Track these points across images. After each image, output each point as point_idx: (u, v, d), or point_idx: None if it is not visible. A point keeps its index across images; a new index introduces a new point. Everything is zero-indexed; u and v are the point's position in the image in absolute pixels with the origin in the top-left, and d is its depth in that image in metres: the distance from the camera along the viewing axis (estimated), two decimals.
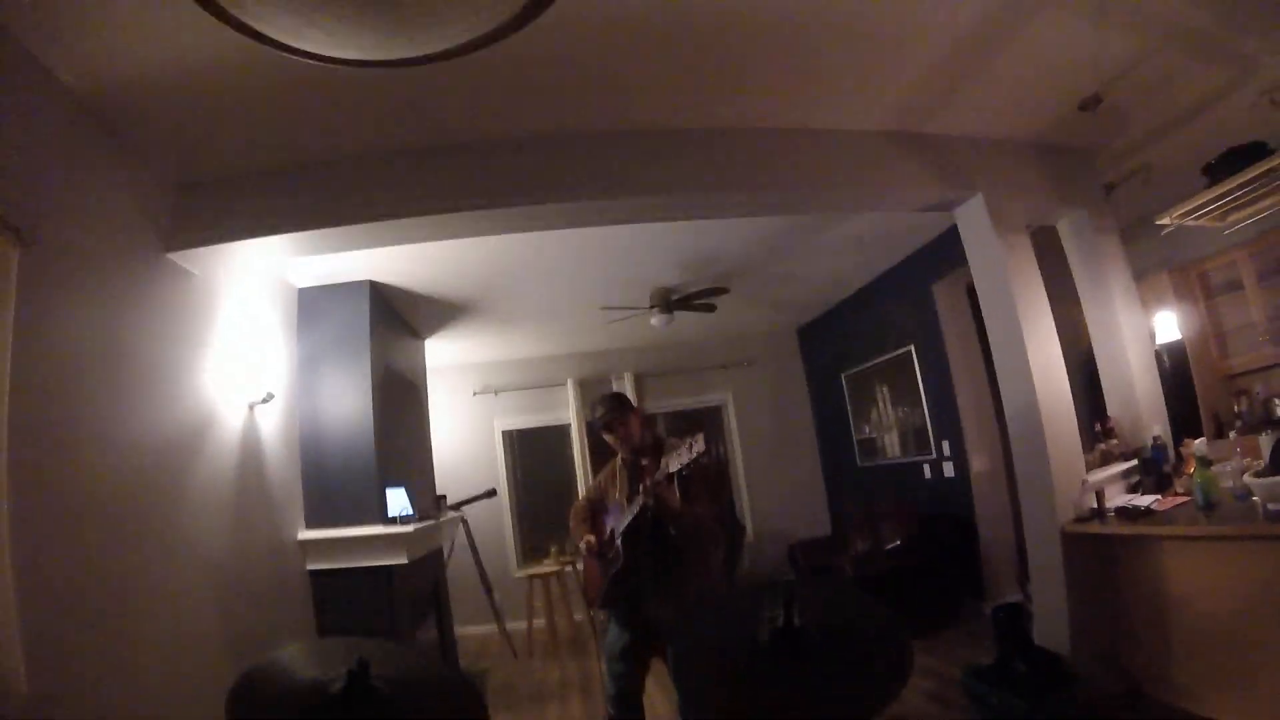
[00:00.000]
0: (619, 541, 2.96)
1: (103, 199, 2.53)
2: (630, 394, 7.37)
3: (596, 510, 3.22)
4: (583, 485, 7.21)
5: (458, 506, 5.19)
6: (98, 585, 2.24)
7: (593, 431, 7.30)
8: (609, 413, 3.05)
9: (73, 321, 2.27)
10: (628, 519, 2.90)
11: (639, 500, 2.83)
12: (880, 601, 1.62)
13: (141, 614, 2.44)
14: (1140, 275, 4.10)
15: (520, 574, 6.84)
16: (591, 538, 3.10)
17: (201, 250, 3.02)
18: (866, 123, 3.40)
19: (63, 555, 2.10)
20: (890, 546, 5.28)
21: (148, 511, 2.56)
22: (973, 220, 3.69)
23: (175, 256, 2.94)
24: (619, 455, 3.15)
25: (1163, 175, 3.97)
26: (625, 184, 3.22)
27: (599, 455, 7.09)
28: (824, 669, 1.43)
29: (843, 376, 7.05)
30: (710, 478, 3.06)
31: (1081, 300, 3.98)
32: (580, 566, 5.24)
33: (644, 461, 2.97)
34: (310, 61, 1.38)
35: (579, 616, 6.50)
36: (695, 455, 2.63)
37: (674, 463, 2.71)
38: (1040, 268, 3.65)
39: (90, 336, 2.36)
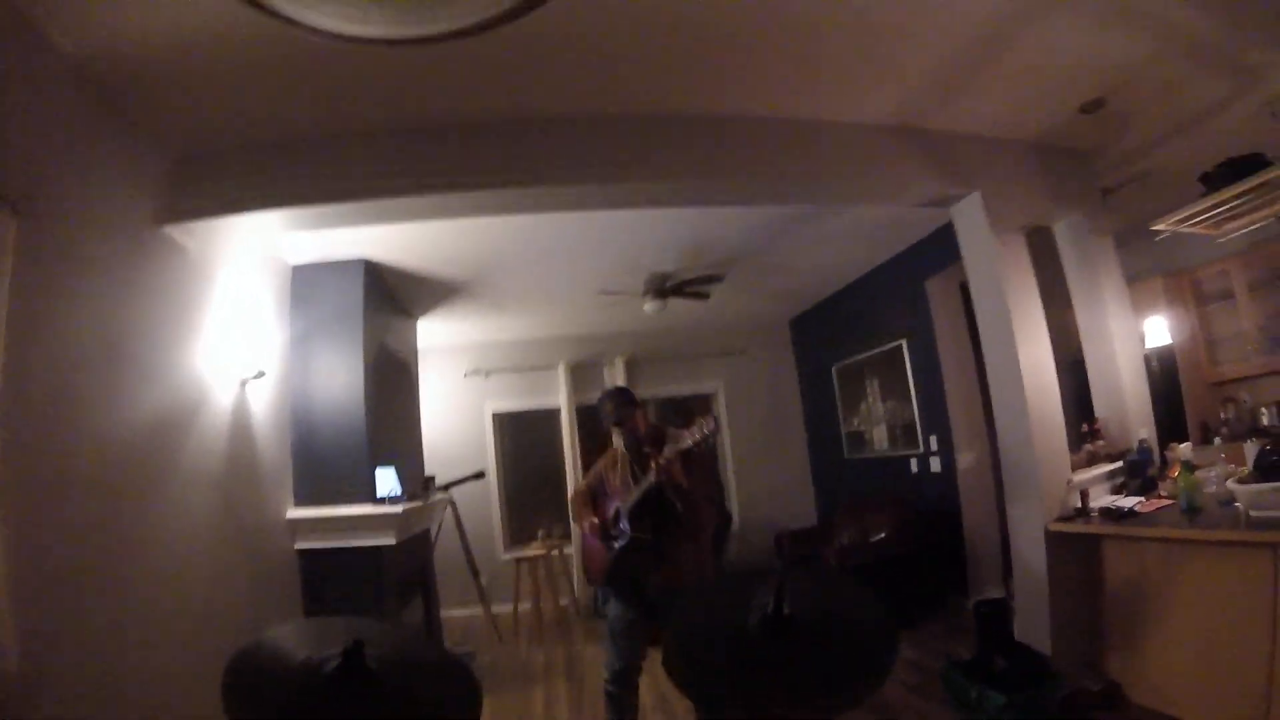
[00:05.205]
0: (624, 520, 3.10)
1: (98, 170, 2.49)
2: (621, 379, 7.39)
3: (597, 496, 3.37)
4: (572, 469, 7.21)
5: (446, 488, 5.22)
6: (88, 561, 2.23)
7: (584, 416, 7.35)
8: (618, 408, 3.22)
9: (67, 294, 2.25)
10: (635, 497, 3.06)
11: (648, 478, 2.98)
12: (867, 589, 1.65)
13: (131, 590, 2.43)
14: (1133, 279, 4.13)
15: (507, 556, 6.86)
16: (595, 519, 3.25)
17: (196, 224, 2.99)
18: (868, 116, 3.39)
19: (53, 530, 2.09)
20: (875, 539, 5.33)
21: (139, 486, 2.55)
22: (969, 218, 3.70)
23: (170, 230, 2.90)
24: (620, 444, 3.29)
25: (1160, 181, 3.98)
26: (623, 169, 3.22)
27: (589, 439, 7.11)
28: (812, 655, 1.45)
29: (833, 368, 7.08)
30: (707, 461, 3.27)
31: (1073, 302, 3.99)
32: (575, 549, 5.25)
33: (647, 449, 3.11)
34: (317, 39, 1.37)
35: (565, 600, 6.53)
36: (708, 434, 2.82)
37: (687, 439, 2.87)
38: (1033, 268, 3.66)
39: (84, 310, 2.33)
